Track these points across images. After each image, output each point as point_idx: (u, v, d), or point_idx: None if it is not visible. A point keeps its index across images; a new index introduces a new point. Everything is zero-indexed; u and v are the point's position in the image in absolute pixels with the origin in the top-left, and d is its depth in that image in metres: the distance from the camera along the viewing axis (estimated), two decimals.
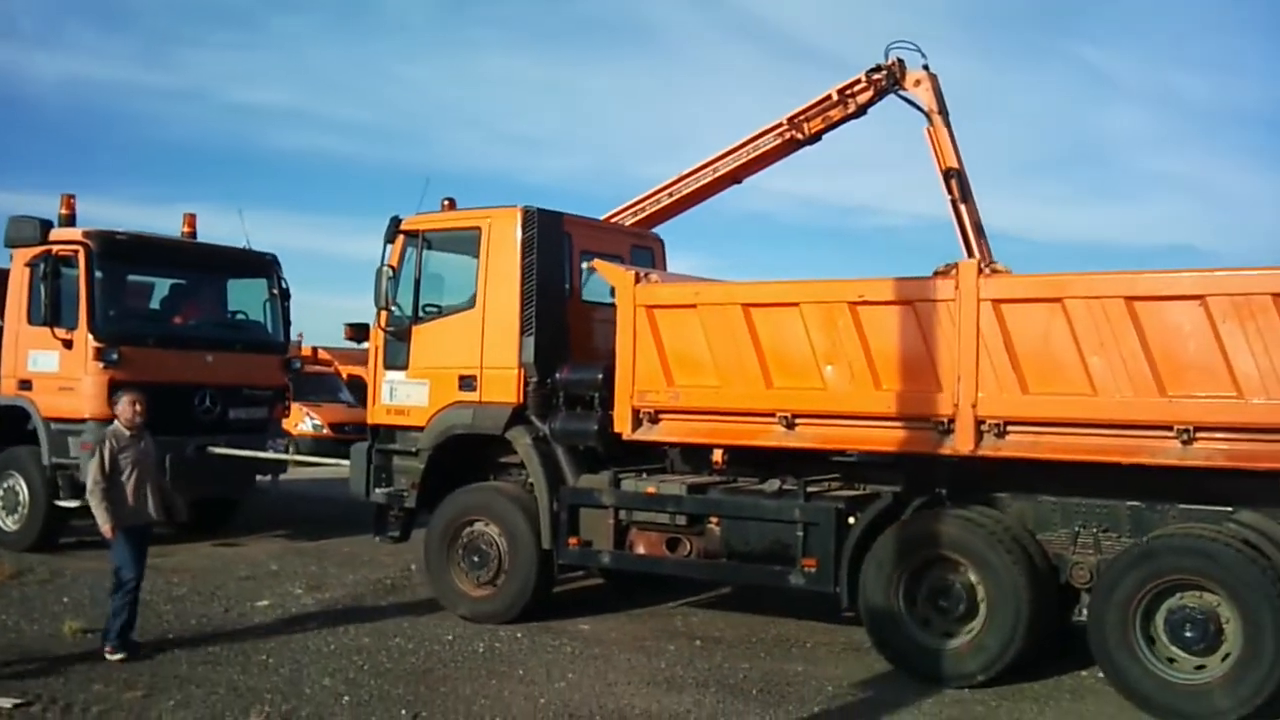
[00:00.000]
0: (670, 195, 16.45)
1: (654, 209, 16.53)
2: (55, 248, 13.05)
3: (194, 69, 57.21)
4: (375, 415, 10.76)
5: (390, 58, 61.90)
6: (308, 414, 23.76)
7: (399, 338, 10.51)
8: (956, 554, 8.07)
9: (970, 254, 14.59)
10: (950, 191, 14.69)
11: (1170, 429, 7.41)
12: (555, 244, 10.14)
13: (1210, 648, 7.29)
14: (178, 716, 6.90)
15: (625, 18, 58.99)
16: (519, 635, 9.20)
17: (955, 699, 7.69)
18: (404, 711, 7.06)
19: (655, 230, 14.78)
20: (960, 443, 8.06)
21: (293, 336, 26.17)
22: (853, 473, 9.24)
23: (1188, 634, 7.33)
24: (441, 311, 10.44)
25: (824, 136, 15.62)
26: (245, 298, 15.15)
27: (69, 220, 13.56)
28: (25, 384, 13.33)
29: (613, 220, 16.56)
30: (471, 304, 10.15)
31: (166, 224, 14.99)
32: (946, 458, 8.31)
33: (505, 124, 65.86)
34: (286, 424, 23.55)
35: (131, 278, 14.56)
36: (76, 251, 12.97)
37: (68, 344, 12.89)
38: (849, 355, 8.44)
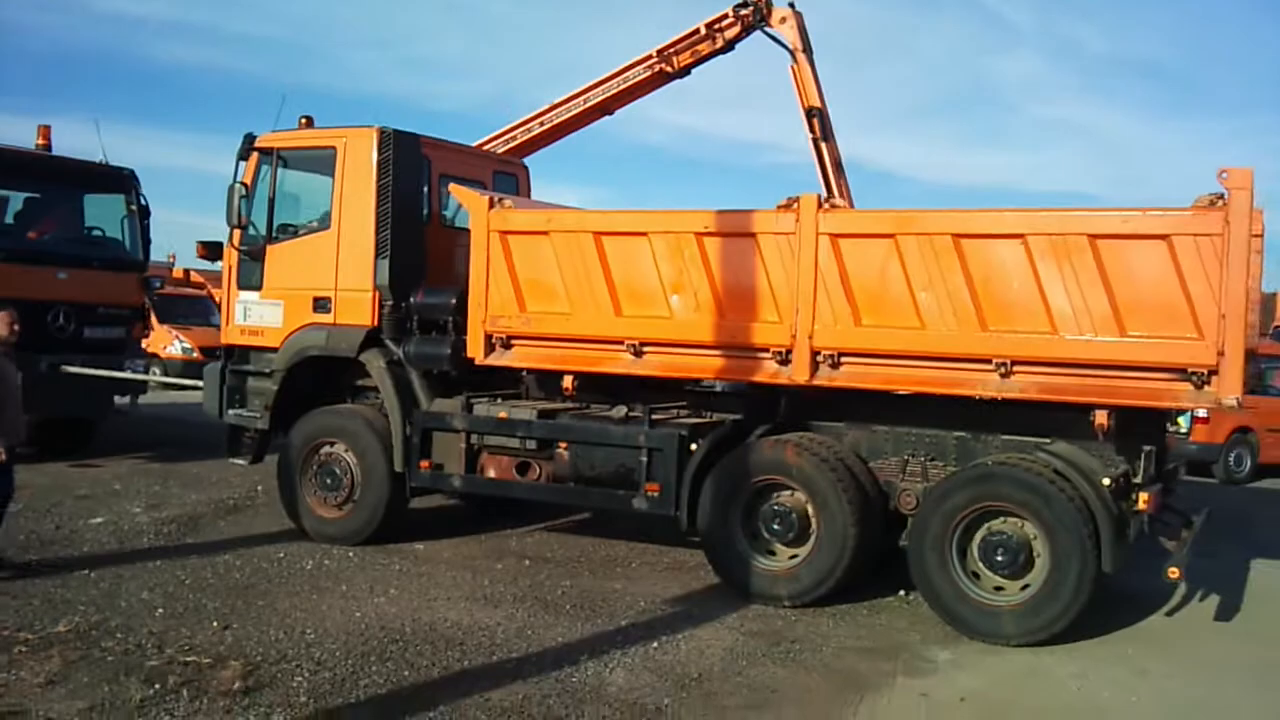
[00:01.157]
0: (541, 124, 16.45)
1: (525, 137, 16.53)
2: None
3: None
4: (229, 335, 10.64)
5: None
6: (177, 336, 23.29)
7: (253, 257, 10.38)
8: (788, 479, 8.37)
9: (830, 191, 14.94)
10: (812, 130, 15.01)
11: (990, 362, 7.76)
12: (413, 167, 10.07)
13: (1016, 575, 7.73)
14: None
15: None
16: (350, 554, 9.34)
17: (759, 613, 8.04)
18: (215, 623, 7.15)
19: (528, 158, 14.78)
20: (796, 372, 8.31)
21: (164, 257, 25.59)
22: (700, 401, 9.49)
23: (998, 558, 7.75)
24: (296, 232, 10.34)
25: (693, 70, 15.77)
26: (103, 214, 14.75)
27: None
28: None
29: (485, 147, 16.50)
30: (326, 225, 10.06)
31: (26, 137, 14.42)
32: (785, 387, 8.58)
33: (407, 47, 64.47)
34: (155, 346, 23.20)
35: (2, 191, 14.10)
36: None
37: None
38: (694, 285, 8.62)
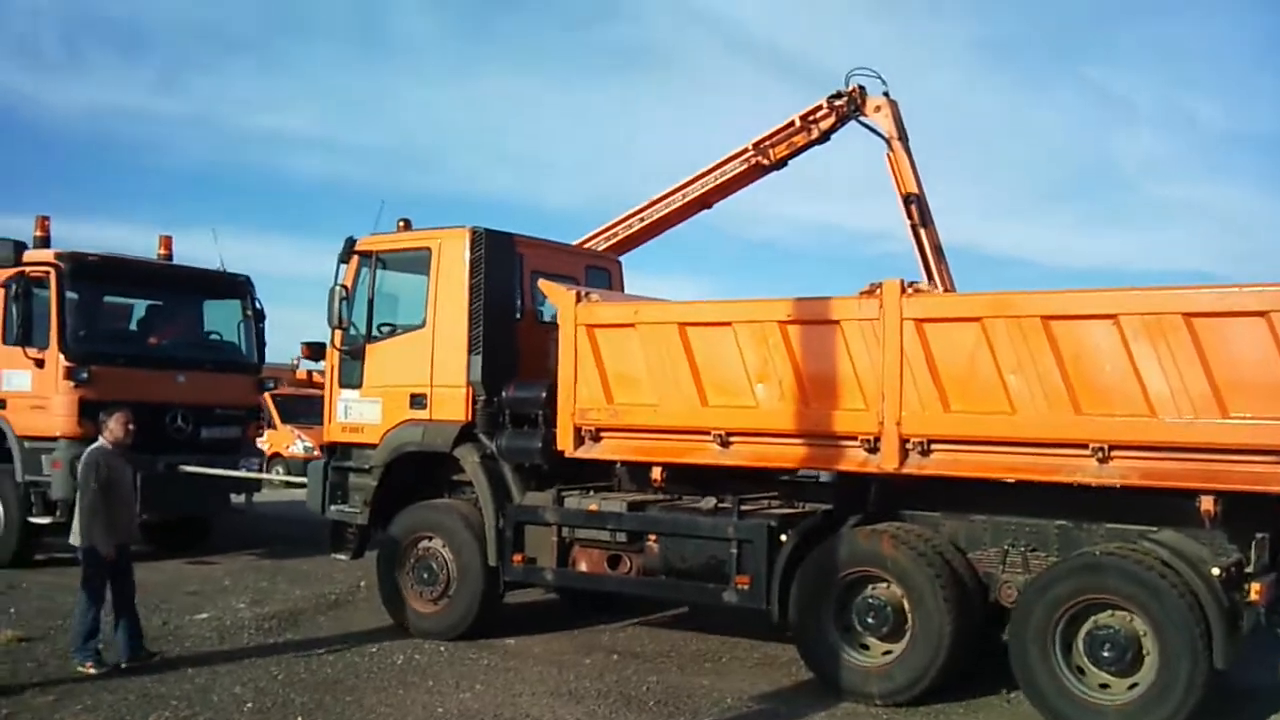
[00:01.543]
0: (641, 220, 16.72)
1: (626, 233, 16.82)
2: (28, 269, 13.31)
3: (206, 95, 57.99)
4: (331, 433, 10.92)
5: (404, 81, 62.59)
6: (299, 436, 23.98)
7: (354, 356, 10.68)
8: (883, 571, 8.15)
9: (930, 277, 14.80)
10: (910, 216, 14.94)
11: (1086, 447, 7.50)
12: (505, 264, 10.29)
13: (1123, 672, 7.35)
14: None
15: (638, 43, 59.47)
16: (442, 649, 9.39)
17: (849, 711, 7.83)
18: (300, 718, 7.22)
19: (630, 254, 15.05)
20: (885, 460, 8.15)
21: (289, 360, 26.45)
22: (793, 491, 9.35)
23: (1104, 653, 7.38)
24: (394, 331, 10.62)
25: (789, 162, 15.88)
26: (221, 319, 15.39)
27: (44, 242, 13.84)
28: (0, 403, 13.58)
29: (589, 243, 16.81)
30: (422, 323, 10.31)
31: (184, 249, 15.24)
32: (875, 475, 8.41)
33: (517, 145, 66.53)
34: (278, 445, 23.93)
35: (109, 299, 14.87)
36: (48, 273, 13.26)
37: (39, 363, 13.15)
38: (779, 374, 8.56)
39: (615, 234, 16.95)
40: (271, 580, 12.39)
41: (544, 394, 9.64)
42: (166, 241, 15.38)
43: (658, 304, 9.86)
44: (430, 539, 10.13)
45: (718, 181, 16.15)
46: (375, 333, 10.62)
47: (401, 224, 11.06)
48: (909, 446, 8.10)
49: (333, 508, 10.79)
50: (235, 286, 15.08)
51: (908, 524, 8.48)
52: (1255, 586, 7.13)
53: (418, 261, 10.44)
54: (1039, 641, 7.50)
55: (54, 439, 13.02)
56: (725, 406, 8.82)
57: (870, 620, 8.21)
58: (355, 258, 10.72)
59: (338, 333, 10.72)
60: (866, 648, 8.26)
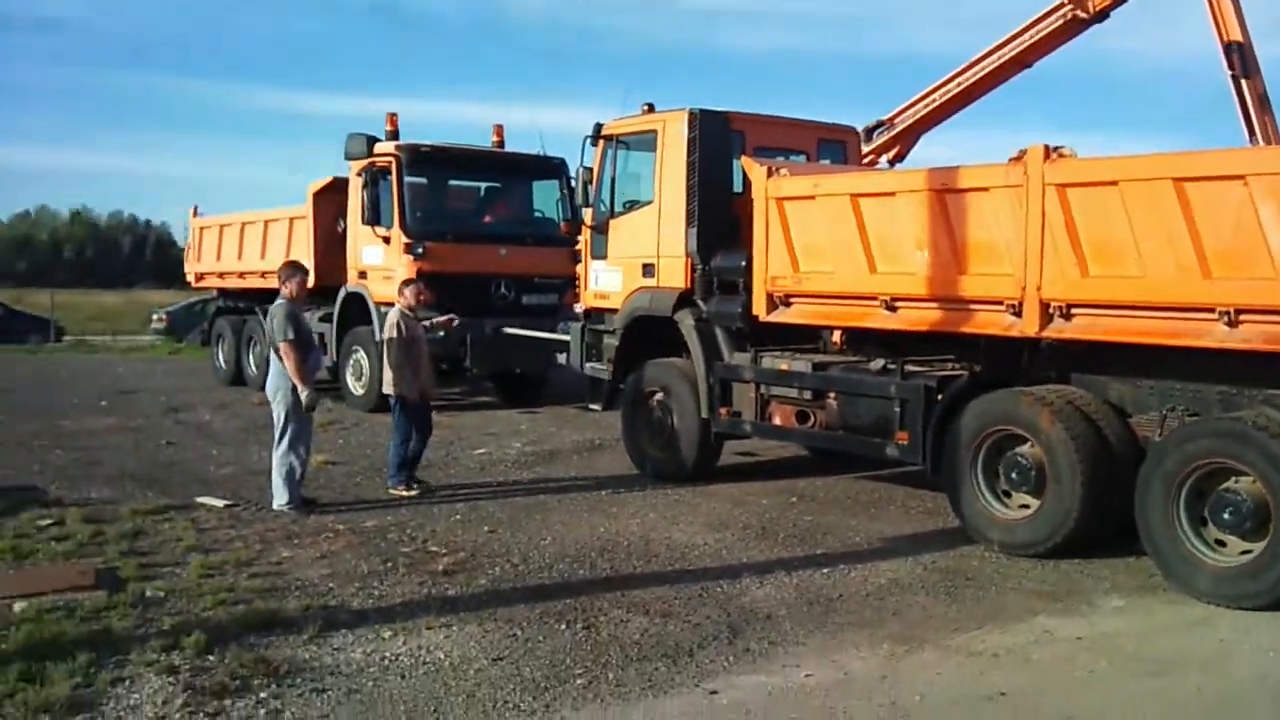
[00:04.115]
0: (958, 85, 16.73)
1: (944, 99, 16.92)
2: (377, 159, 15.70)
3: None
4: (586, 300, 12.37)
5: None
6: None
7: (600, 231, 11.98)
8: (1023, 429, 8.39)
9: (1251, 130, 13.84)
10: (1232, 66, 13.92)
11: (1213, 311, 7.34)
12: (721, 141, 11.05)
13: (1243, 537, 7.24)
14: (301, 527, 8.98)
15: None
16: (649, 488, 10.65)
17: (963, 554, 8.28)
18: (487, 528, 8.84)
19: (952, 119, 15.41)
20: (1027, 324, 8.32)
21: None
22: (965, 354, 9.61)
23: (1226, 516, 7.31)
24: (631, 206, 11.77)
25: (1110, 14, 15.19)
26: (543, 198, 17.28)
27: (393, 135, 16.19)
28: (362, 275, 16.27)
29: (905, 112, 17.11)
30: (652, 199, 11.38)
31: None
32: (1036, 340, 8.57)
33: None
34: None
35: (453, 183, 17.15)
36: (390, 162, 15.57)
37: (386, 240, 15.59)
38: (936, 242, 8.86)
39: (933, 100, 17.06)
40: (560, 426, 14.21)
41: (744, 262, 10.46)
42: (499, 130, 17.42)
43: (835, 176, 10.29)
44: (659, 393, 11.36)
45: (1035, 38, 15.76)
46: (618, 209, 11.83)
47: (645, 108, 12.07)
48: (1050, 311, 8.22)
49: (588, 365, 12.29)
50: (551, 168, 16.82)
51: (1065, 387, 8.59)
52: None
53: (648, 142, 11.47)
54: (1163, 488, 7.49)
55: None
56: (890, 273, 9.26)
57: (1014, 476, 8.50)
58: (601, 141, 11.92)
59: (588, 210, 12.05)
60: (1009, 501, 8.57)
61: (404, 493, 10.18)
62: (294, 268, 10.01)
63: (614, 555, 8.06)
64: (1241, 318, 7.24)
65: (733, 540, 8.56)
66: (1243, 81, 14.23)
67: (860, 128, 15.72)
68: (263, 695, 5.32)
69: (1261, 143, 14.11)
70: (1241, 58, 14.21)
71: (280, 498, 9.43)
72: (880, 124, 17.04)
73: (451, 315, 12.07)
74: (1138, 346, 8.03)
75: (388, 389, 10.62)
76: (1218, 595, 7.14)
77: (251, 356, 19.27)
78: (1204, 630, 6.63)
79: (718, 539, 8.59)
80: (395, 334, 10.43)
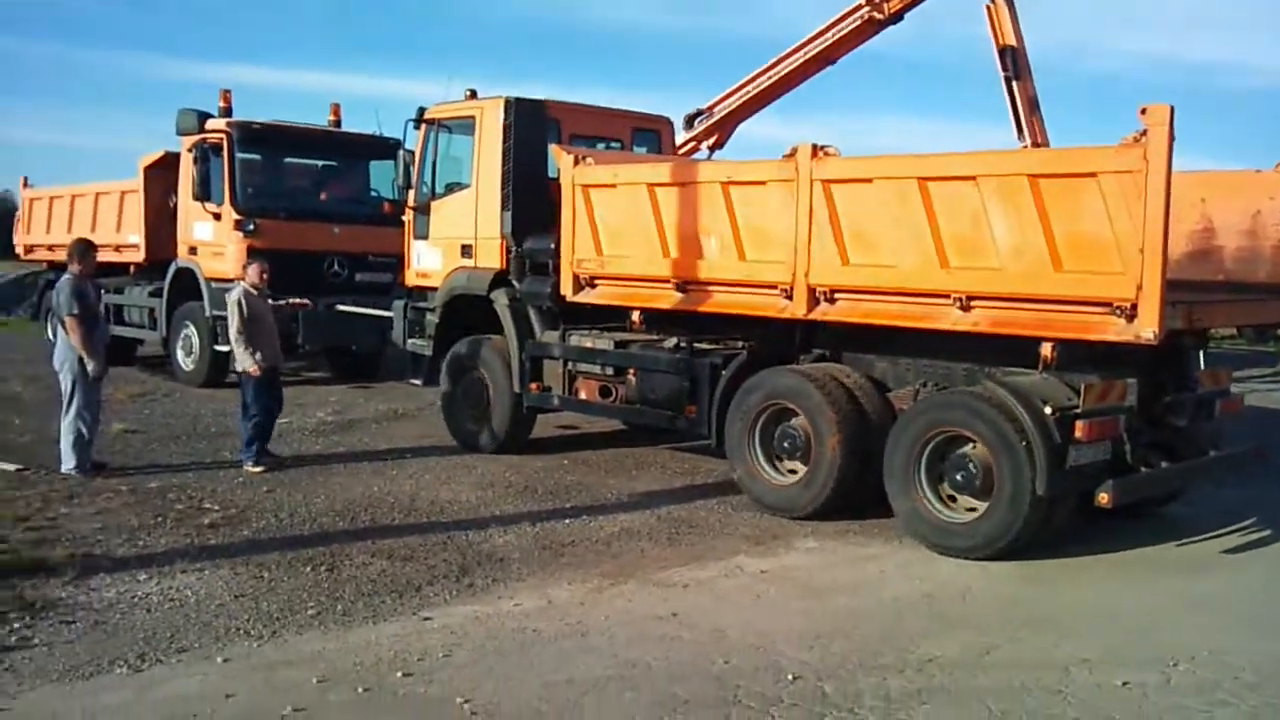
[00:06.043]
0: (769, 78, 17.59)
1: (757, 90, 17.76)
2: (208, 135, 15.79)
3: None
4: (409, 278, 12.81)
5: None
6: None
7: (423, 212, 12.43)
8: (791, 402, 9.22)
9: (1020, 130, 15.01)
10: (1004, 68, 15.07)
11: (948, 297, 8.25)
12: (537, 129, 11.60)
13: (976, 496, 8.18)
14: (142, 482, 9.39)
15: None
16: (443, 456, 11.32)
17: (706, 507, 9.29)
18: (264, 489, 9.48)
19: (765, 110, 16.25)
20: (797, 307, 9.15)
21: None
22: (750, 334, 10.40)
23: (958, 478, 8.24)
24: (452, 189, 12.26)
25: (904, 15, 16.22)
26: (380, 178, 17.54)
27: (226, 112, 16.26)
28: (193, 250, 16.34)
29: (721, 104, 17.87)
30: (470, 183, 11.89)
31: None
32: (792, 320, 9.38)
33: None
34: None
35: (288, 161, 17.30)
36: (222, 138, 15.68)
37: (217, 216, 15.70)
38: (721, 229, 9.61)
39: (747, 91, 17.89)
40: (370, 398, 14.82)
41: (552, 245, 11.06)
42: (335, 108, 17.65)
43: (634, 166, 10.97)
44: (475, 368, 11.90)
45: (836, 37, 16.71)
46: (439, 191, 12.30)
47: (468, 93, 12.54)
48: (817, 295, 9.05)
49: (410, 341, 12.76)
50: (386, 148, 17.07)
51: (833, 364, 9.47)
52: (1079, 425, 7.76)
53: (468, 128, 11.96)
54: (905, 451, 8.41)
55: (230, 280, 15.57)
56: (680, 258, 9.98)
57: (785, 445, 9.34)
58: (424, 125, 12.37)
59: (409, 191, 12.49)
60: (781, 467, 9.41)
61: (254, 469, 10.37)
62: (84, 244, 10.53)
63: (377, 510, 8.78)
64: (972, 303, 8.17)
65: (493, 497, 9.38)
66: (1014, 84, 15.48)
67: (682, 116, 16.51)
68: (15, 625, 5.92)
69: (1029, 142, 15.37)
70: (1014, 61, 15.47)
71: (68, 462, 9.87)
72: (700, 112, 17.83)
73: (305, 300, 12.58)
74: (893, 328, 8.94)
75: (236, 366, 10.92)
76: (940, 545, 8.09)
77: None
78: (871, 565, 7.82)
79: (479, 496, 9.40)
80: (239, 311, 10.67)
